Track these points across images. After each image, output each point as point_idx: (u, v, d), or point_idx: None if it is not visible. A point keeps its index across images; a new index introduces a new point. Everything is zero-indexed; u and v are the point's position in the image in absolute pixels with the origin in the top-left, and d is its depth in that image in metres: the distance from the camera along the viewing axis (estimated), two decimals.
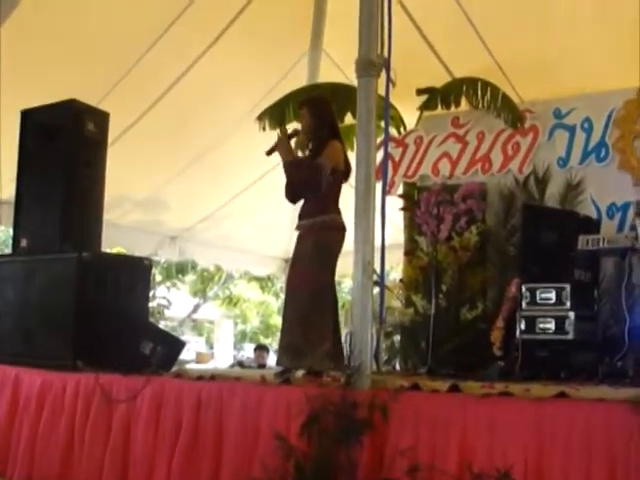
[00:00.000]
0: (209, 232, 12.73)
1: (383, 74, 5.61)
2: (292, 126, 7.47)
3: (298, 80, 10.25)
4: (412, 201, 9.21)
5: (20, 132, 7.66)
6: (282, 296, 13.90)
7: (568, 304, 6.73)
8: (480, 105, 8.90)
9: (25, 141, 7.64)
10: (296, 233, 6.71)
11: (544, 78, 8.98)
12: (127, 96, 9.39)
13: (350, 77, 7.10)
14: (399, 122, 9.78)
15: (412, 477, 4.46)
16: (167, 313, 17.02)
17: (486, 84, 8.89)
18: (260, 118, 9.62)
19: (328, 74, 10.22)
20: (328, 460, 4.67)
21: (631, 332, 6.34)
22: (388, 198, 6.15)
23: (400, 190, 9.63)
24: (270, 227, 12.52)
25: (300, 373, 6.33)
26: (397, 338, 8.71)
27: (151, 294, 9.74)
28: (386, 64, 5.60)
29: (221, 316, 28.62)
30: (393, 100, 7.59)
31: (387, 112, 6.24)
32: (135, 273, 7.43)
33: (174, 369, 6.81)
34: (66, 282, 6.95)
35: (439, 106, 9.34)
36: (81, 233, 7.31)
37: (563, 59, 8.78)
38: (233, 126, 10.64)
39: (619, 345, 6.41)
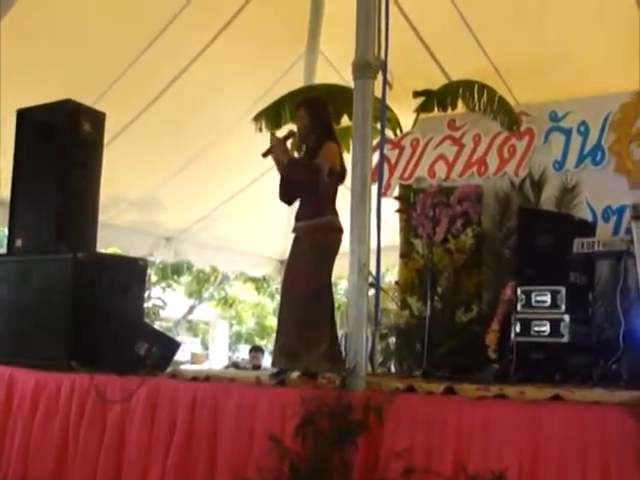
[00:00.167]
0: (205, 233, 12.73)
1: (380, 76, 5.60)
2: (288, 127, 7.47)
3: (295, 81, 10.27)
4: (408, 203, 9.22)
5: (16, 132, 7.66)
6: (277, 297, 13.88)
7: (563, 307, 6.73)
8: (476, 108, 8.92)
9: (21, 141, 7.64)
10: (292, 234, 6.71)
11: (540, 81, 9.00)
12: (123, 96, 9.38)
13: (347, 79, 7.10)
14: (395, 124, 9.79)
15: (407, 479, 4.46)
16: (162, 314, 17.05)
17: (482, 87, 8.90)
18: (256, 119, 9.63)
19: (325, 76, 10.23)
20: (323, 462, 4.66)
21: (626, 335, 6.34)
22: (384, 200, 6.16)
23: (396, 192, 9.64)
24: (266, 228, 12.52)
25: (295, 375, 6.33)
26: (392, 340, 8.73)
27: (146, 295, 9.75)
28: (383, 66, 5.59)
29: (216, 317, 28.60)
30: (390, 102, 7.58)
31: (383, 114, 6.24)
32: (130, 274, 7.42)
33: (169, 370, 6.79)
34: (61, 282, 6.95)
35: (435, 108, 9.37)
36: (76, 233, 7.30)
37: (559, 62, 8.80)
38: (229, 127, 10.64)
39: (614, 348, 6.41)
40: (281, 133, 6.95)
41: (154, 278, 21.35)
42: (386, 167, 9.28)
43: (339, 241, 6.44)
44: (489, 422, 4.50)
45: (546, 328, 6.76)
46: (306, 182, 6.47)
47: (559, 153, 8.71)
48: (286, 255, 6.96)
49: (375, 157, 5.96)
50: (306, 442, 4.77)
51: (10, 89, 8.30)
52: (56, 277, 7.00)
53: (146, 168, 10.71)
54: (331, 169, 6.43)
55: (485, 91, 8.88)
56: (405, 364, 8.42)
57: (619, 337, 6.38)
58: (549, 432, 4.28)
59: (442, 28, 9.47)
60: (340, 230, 6.40)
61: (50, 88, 8.13)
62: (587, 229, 7.62)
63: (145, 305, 8.66)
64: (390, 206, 9.13)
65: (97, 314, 6.82)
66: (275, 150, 6.67)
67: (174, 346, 7.40)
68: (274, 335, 6.78)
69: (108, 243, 10.95)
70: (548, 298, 6.81)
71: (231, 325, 29.56)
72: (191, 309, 25.62)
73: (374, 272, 5.46)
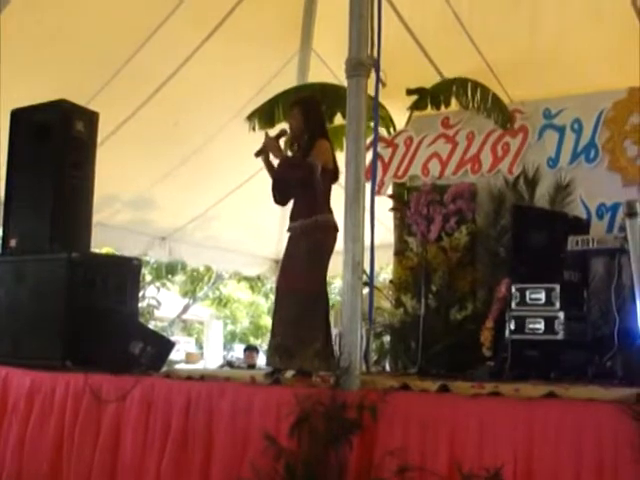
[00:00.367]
0: (199, 232, 12.72)
1: (373, 74, 5.60)
2: (281, 126, 7.47)
3: (288, 80, 10.26)
4: (402, 201, 9.22)
5: (10, 132, 7.64)
6: (272, 297, 13.89)
7: (557, 304, 6.74)
8: (470, 105, 8.91)
9: (15, 141, 7.62)
10: (286, 233, 6.71)
11: (534, 79, 9.00)
12: (116, 96, 9.37)
13: (340, 77, 7.11)
14: (389, 122, 9.79)
15: (401, 477, 4.46)
16: (157, 313, 17.07)
17: (476, 84, 8.90)
18: (250, 118, 9.63)
19: (318, 74, 10.22)
20: (317, 460, 4.66)
21: (620, 332, 6.34)
22: (378, 198, 6.16)
23: (390, 190, 9.63)
24: (260, 227, 12.52)
25: (290, 374, 6.33)
26: (387, 339, 8.72)
27: (141, 294, 9.76)
28: (375, 64, 5.59)
29: (211, 316, 28.60)
30: (383, 100, 7.60)
31: (376, 112, 6.25)
32: (124, 273, 7.42)
33: (164, 369, 6.79)
34: (55, 282, 6.94)
35: (429, 106, 9.35)
36: (70, 233, 7.29)
37: (553, 59, 8.79)
38: (223, 126, 10.64)
39: (608, 345, 6.42)
40: (273, 132, 6.94)
41: (148, 278, 21.35)
42: (380, 165, 9.28)
43: (335, 239, 6.43)
44: (484, 420, 4.50)
45: (541, 325, 6.77)
46: (300, 181, 6.47)
47: (553, 150, 8.71)
48: (280, 254, 6.97)
49: (369, 155, 5.96)
50: (301, 441, 4.77)
51: (3, 90, 8.29)
52: (50, 277, 6.99)
53: (140, 167, 10.69)
54: (324, 168, 6.43)
55: (479, 89, 8.88)
56: (400, 362, 8.42)
57: (614, 334, 6.38)
58: (544, 429, 4.28)
59: (435, 26, 9.48)
60: (336, 228, 6.38)
61: (43, 88, 8.13)
62: (581, 226, 7.63)
63: (139, 305, 8.68)
64: (384, 204, 9.13)
65: (92, 314, 6.82)
66: (268, 149, 6.67)
67: (168, 346, 7.39)
68: (268, 334, 6.78)
69: (102, 243, 10.94)
70: (542, 296, 6.82)
71: (225, 324, 29.57)
72: (185, 308, 25.65)
73: (368, 270, 5.46)
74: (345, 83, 5.53)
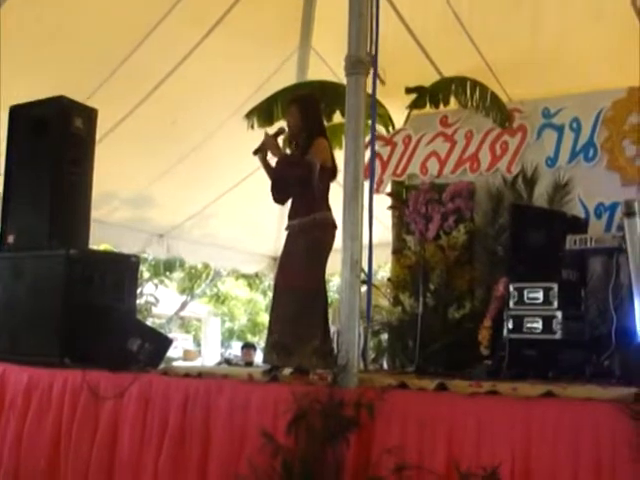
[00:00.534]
0: (197, 230, 12.72)
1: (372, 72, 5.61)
2: (280, 124, 7.46)
3: (287, 78, 10.27)
4: (400, 200, 9.21)
5: (8, 128, 7.64)
6: (270, 294, 13.86)
7: (555, 304, 6.73)
8: (469, 104, 8.93)
9: (13, 137, 7.62)
10: (284, 231, 6.70)
11: (533, 78, 9.00)
12: (115, 93, 9.37)
13: (339, 75, 7.10)
14: (388, 121, 9.80)
15: (398, 476, 4.46)
16: (154, 310, 16.99)
17: (475, 83, 8.92)
18: (248, 116, 9.64)
19: (317, 72, 10.23)
20: (315, 458, 4.66)
21: (618, 331, 6.34)
22: (377, 197, 6.16)
23: (388, 189, 9.63)
24: (258, 225, 12.52)
25: (287, 371, 6.33)
26: (385, 337, 8.73)
27: (138, 291, 9.74)
28: (373, 62, 5.59)
29: (208, 314, 28.57)
30: (382, 99, 7.62)
31: (374, 109, 6.25)
32: (122, 270, 7.42)
33: (161, 366, 6.79)
34: (53, 279, 6.94)
35: (428, 105, 9.37)
36: (69, 230, 7.29)
37: (552, 59, 8.79)
38: (222, 124, 10.63)
39: (606, 344, 6.41)
40: (272, 130, 6.94)
41: (146, 275, 21.30)
42: (378, 164, 9.29)
43: (333, 237, 6.43)
44: (481, 418, 4.51)
45: (538, 325, 6.76)
46: (299, 179, 6.46)
47: (551, 150, 8.71)
48: (278, 252, 6.96)
49: (367, 153, 5.96)
50: (298, 438, 4.77)
51: (2, 87, 8.29)
52: (48, 274, 6.99)
53: (139, 165, 10.69)
54: (322, 166, 6.42)
55: (477, 88, 8.89)
56: (397, 361, 8.43)
57: (611, 333, 6.38)
58: (542, 428, 4.28)
59: (435, 24, 9.48)
60: (334, 226, 6.38)
61: (42, 85, 8.12)
62: (579, 226, 7.63)
63: (137, 301, 8.65)
64: (382, 202, 9.13)
65: (89, 310, 6.82)
66: (266, 147, 6.66)
67: (166, 343, 7.39)
68: (266, 332, 6.78)
69: (100, 240, 10.96)
70: (540, 295, 6.81)
71: (223, 322, 29.54)
72: (183, 306, 25.61)
73: (366, 268, 5.46)
74: (344, 81, 5.53)
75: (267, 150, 6.67)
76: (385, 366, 8.61)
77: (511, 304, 6.93)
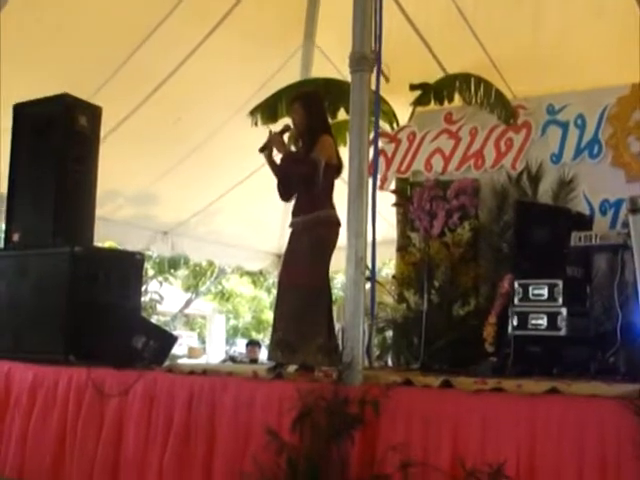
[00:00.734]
0: (201, 227, 12.73)
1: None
2: (284, 121, 7.46)
3: (291, 75, 10.25)
4: (405, 197, 9.20)
5: (13, 126, 7.65)
6: (274, 291, 13.87)
7: (560, 300, 6.74)
8: (473, 101, 8.93)
9: (17, 135, 7.63)
10: (288, 228, 6.70)
11: (537, 74, 8.98)
12: (120, 91, 9.38)
13: (343, 72, 7.09)
14: (392, 117, 9.79)
15: (404, 473, 4.46)
16: (159, 308, 16.98)
17: (479, 80, 8.91)
18: (252, 113, 9.63)
19: (321, 69, 10.23)
20: (319, 455, 4.66)
21: (623, 328, 6.34)
22: (381, 194, 6.16)
23: (393, 186, 9.62)
24: (262, 222, 12.52)
25: (292, 368, 6.33)
26: (389, 334, 8.72)
27: (143, 289, 9.74)
28: (377, 58, 5.59)
29: (213, 311, 28.60)
30: (386, 95, 7.61)
31: (378, 106, 6.25)
32: (127, 268, 7.43)
33: (166, 364, 6.79)
34: (58, 277, 6.95)
35: (432, 102, 9.37)
36: (73, 228, 7.30)
37: (556, 55, 8.78)
38: (226, 121, 10.63)
39: (611, 341, 6.42)
40: (277, 128, 6.94)
41: (151, 272, 21.32)
42: (383, 160, 9.30)
43: (337, 235, 6.41)
44: (486, 415, 4.50)
45: (543, 321, 6.77)
46: (303, 176, 6.46)
47: (556, 146, 8.70)
48: (282, 249, 6.96)
49: (372, 150, 5.95)
50: (303, 436, 4.77)
51: (6, 84, 8.29)
52: (53, 271, 7.00)
53: (143, 162, 10.70)
54: (327, 163, 6.42)
55: (482, 84, 8.89)
56: (402, 358, 8.42)
57: (616, 330, 6.38)
58: (546, 425, 4.28)
59: (439, 21, 9.46)
60: (338, 224, 6.37)
61: (46, 83, 8.11)
62: (584, 222, 7.62)
63: (142, 299, 8.67)
64: (387, 199, 9.13)
65: (94, 308, 6.82)
66: (272, 144, 6.66)
67: (171, 340, 7.39)
68: (270, 329, 6.78)
69: (105, 237, 10.97)
70: (545, 291, 6.82)
71: (228, 319, 29.57)
72: (188, 303, 25.62)
73: (370, 266, 5.46)
74: (348, 78, 5.52)
75: (272, 147, 6.67)
76: (390, 363, 8.61)
77: (516, 301, 6.94)
